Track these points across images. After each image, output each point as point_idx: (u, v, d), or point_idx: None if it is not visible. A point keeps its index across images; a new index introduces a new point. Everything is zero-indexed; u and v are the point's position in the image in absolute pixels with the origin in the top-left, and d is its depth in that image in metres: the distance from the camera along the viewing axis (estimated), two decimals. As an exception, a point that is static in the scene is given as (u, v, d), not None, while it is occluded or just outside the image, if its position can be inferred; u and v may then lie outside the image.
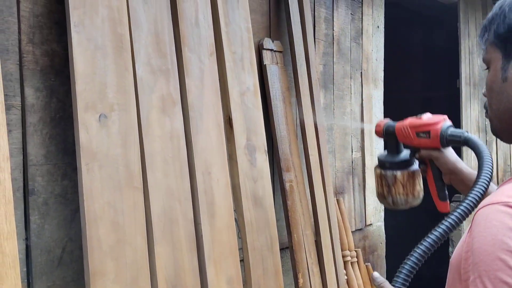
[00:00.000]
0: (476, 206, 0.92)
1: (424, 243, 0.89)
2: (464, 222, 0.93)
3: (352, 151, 2.64)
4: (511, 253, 0.70)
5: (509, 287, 0.69)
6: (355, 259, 2.42)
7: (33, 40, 1.35)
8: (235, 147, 1.73)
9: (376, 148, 2.83)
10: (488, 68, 0.90)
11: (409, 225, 4.86)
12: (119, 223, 1.31)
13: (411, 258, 0.89)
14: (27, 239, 1.34)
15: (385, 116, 2.90)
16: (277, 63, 2.07)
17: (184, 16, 1.58)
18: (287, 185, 2.03)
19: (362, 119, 2.71)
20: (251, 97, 1.82)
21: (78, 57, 1.30)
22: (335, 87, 2.51)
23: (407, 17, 4.84)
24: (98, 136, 1.32)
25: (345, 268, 2.32)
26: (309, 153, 2.13)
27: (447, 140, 1.18)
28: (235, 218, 1.70)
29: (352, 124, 2.63)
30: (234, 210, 1.72)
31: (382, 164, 1.28)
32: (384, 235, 2.90)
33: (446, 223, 0.90)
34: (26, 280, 1.33)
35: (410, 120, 1.23)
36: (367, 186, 2.74)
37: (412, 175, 1.25)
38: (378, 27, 2.84)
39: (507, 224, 0.72)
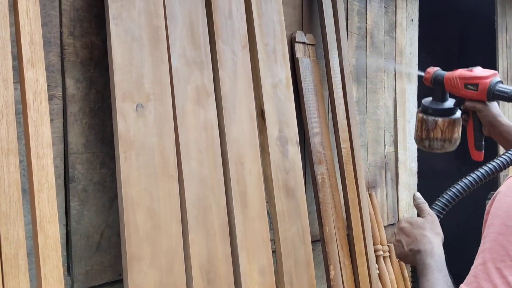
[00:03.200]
0: None
1: (468, 177, 0.98)
2: (505, 170, 1.00)
3: (385, 146, 2.62)
4: None
5: (504, 250, 0.76)
6: (388, 254, 2.41)
7: (74, 33, 1.40)
8: (267, 138, 1.75)
9: (409, 143, 2.80)
10: None
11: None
12: (155, 210, 1.35)
13: (453, 190, 0.97)
14: (67, 224, 1.39)
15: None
16: (309, 56, 2.08)
17: (218, 9, 1.61)
18: (319, 178, 2.03)
19: (395, 114, 2.68)
20: (283, 89, 1.84)
21: (116, 49, 1.34)
22: (368, 81, 2.49)
23: (443, 10, 4.74)
24: (135, 125, 1.36)
25: (377, 263, 2.31)
26: (341, 146, 2.13)
27: (494, 95, 1.24)
28: (267, 210, 1.72)
29: (385, 118, 2.61)
30: (266, 202, 1.74)
31: (425, 110, 1.34)
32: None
33: (492, 164, 0.99)
34: (66, 264, 1.39)
35: (461, 72, 1.29)
36: (400, 181, 2.71)
37: (453, 122, 1.32)
38: (412, 20, 2.81)
39: None
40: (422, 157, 2.92)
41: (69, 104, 1.39)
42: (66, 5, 1.38)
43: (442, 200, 0.98)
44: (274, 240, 1.75)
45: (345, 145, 2.15)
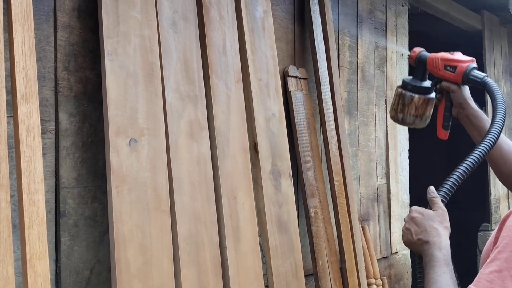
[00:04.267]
0: (496, 140, 1.13)
1: (466, 161, 1.07)
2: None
3: (377, 178, 2.63)
4: None
5: None
6: (381, 288, 2.38)
7: (68, 67, 1.41)
8: (260, 172, 1.75)
9: (401, 175, 2.81)
10: None
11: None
12: (147, 246, 1.34)
13: (455, 175, 1.06)
14: (57, 260, 1.37)
15: (410, 145, 2.90)
16: (301, 89, 2.10)
17: (212, 45, 1.63)
18: (311, 211, 2.03)
19: (387, 146, 2.70)
20: (276, 123, 1.85)
21: (111, 84, 1.35)
22: (359, 114, 2.52)
23: (432, 45, 4.84)
24: (128, 160, 1.36)
25: (370, 297, 2.28)
26: (334, 179, 2.13)
27: (468, 79, 1.33)
28: (259, 243, 1.71)
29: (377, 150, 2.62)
30: (259, 235, 1.73)
31: (405, 86, 1.43)
32: (411, 264, 2.85)
33: (480, 149, 1.09)
34: (55, 301, 1.36)
35: (443, 54, 1.39)
36: (392, 213, 2.71)
37: (427, 101, 1.41)
38: (402, 54, 2.86)
39: None
40: (414, 189, 2.93)
41: (62, 138, 1.39)
42: (61, 40, 1.40)
43: (445, 186, 1.06)
44: (267, 275, 1.73)
45: (337, 178, 2.15)
